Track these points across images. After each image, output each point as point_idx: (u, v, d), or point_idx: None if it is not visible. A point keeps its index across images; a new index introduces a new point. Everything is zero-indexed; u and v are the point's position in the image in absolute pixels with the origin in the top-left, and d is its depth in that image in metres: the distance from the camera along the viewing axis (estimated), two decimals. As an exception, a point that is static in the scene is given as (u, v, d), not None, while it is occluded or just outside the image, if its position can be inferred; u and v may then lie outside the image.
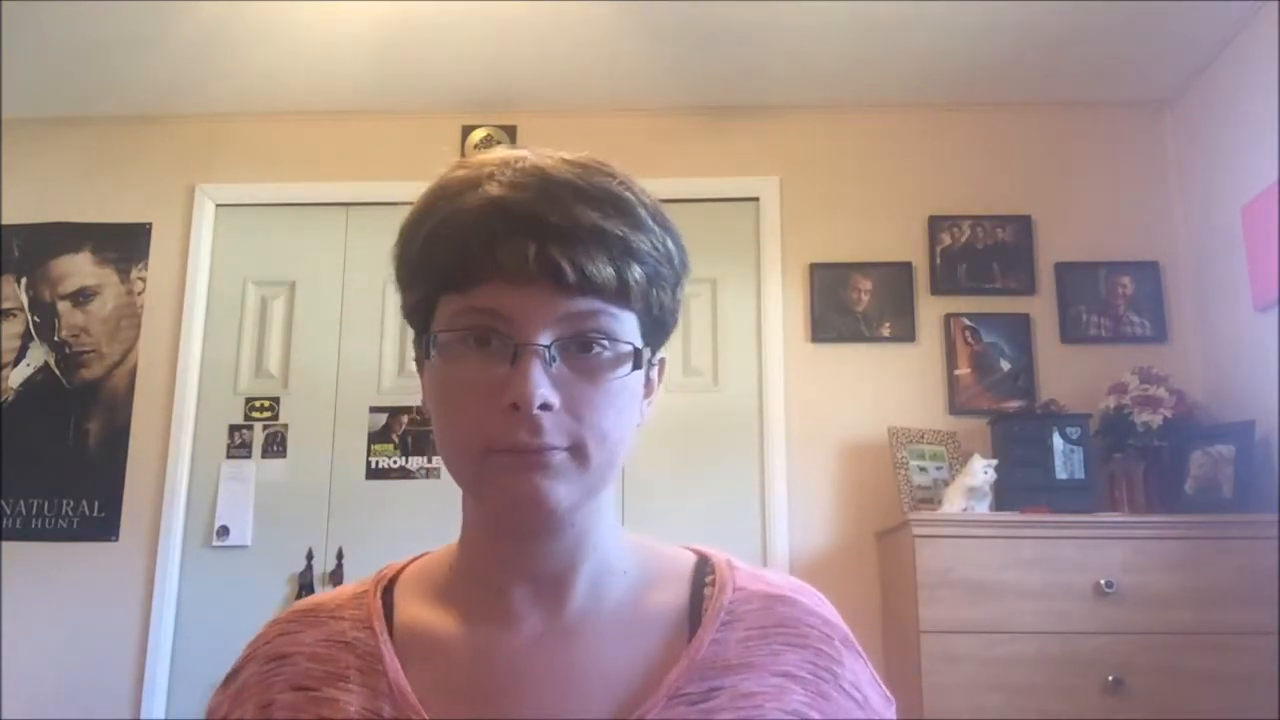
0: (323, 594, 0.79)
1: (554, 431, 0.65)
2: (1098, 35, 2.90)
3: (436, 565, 0.78)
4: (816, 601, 0.75)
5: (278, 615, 0.78)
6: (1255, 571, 2.42)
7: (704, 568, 0.76)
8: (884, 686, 0.76)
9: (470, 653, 0.71)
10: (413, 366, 0.78)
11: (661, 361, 0.78)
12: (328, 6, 2.80)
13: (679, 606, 0.73)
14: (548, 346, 0.65)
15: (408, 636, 0.73)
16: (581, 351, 0.67)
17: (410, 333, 0.75)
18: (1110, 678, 2.39)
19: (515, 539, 0.71)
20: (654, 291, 0.70)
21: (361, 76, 3.15)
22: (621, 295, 0.67)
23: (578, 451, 0.66)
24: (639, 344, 0.69)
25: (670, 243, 0.72)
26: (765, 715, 0.67)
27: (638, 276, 0.68)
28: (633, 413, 0.71)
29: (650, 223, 0.70)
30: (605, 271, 0.66)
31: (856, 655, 0.74)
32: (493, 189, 0.67)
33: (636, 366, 0.69)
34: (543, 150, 0.71)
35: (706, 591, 0.73)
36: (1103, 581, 2.43)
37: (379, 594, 0.76)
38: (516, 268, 0.65)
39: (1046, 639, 2.42)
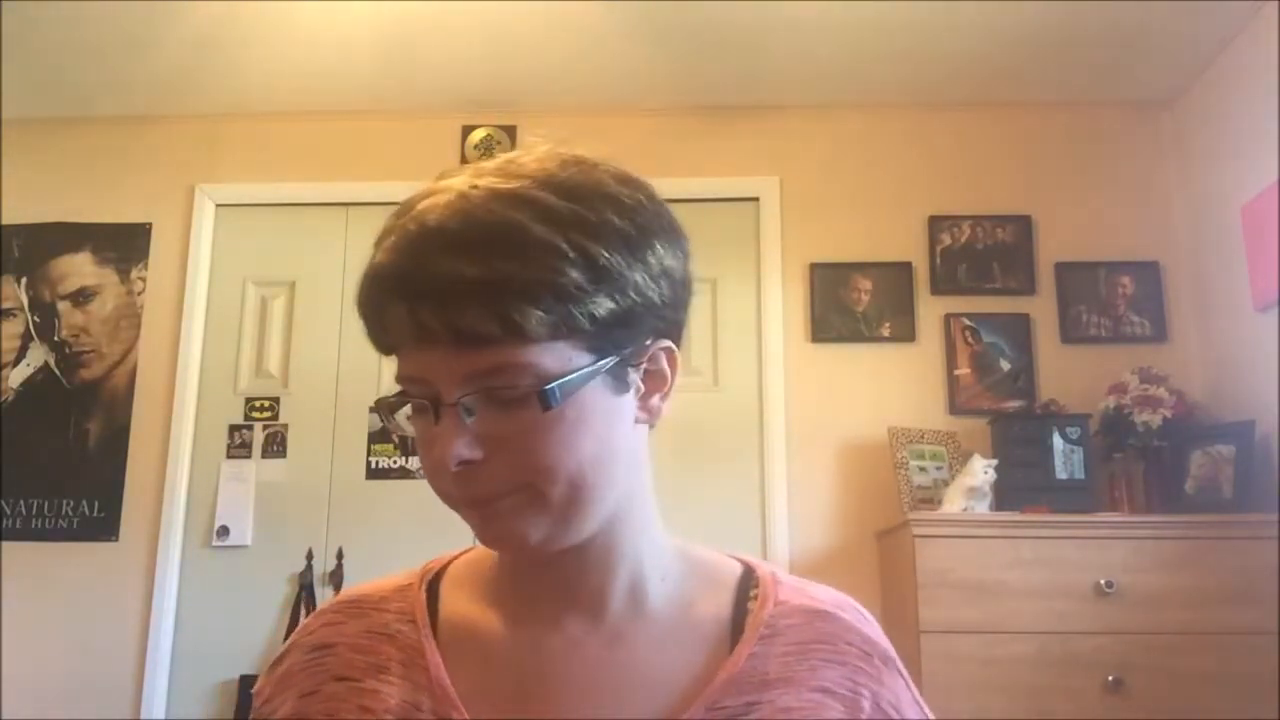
0: (368, 584, 0.79)
1: (489, 481, 0.65)
2: (1098, 35, 2.90)
3: (479, 563, 0.78)
4: (858, 618, 0.75)
5: (322, 605, 0.78)
6: (1255, 571, 2.42)
7: (749, 579, 0.75)
8: (925, 707, 0.75)
9: (512, 653, 0.71)
10: None
11: (666, 350, 0.71)
12: (328, 6, 2.80)
13: (721, 618, 0.72)
14: (456, 403, 0.63)
15: (451, 632, 0.73)
16: (499, 402, 0.63)
17: None
18: (1110, 678, 2.39)
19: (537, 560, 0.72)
20: (575, 313, 0.63)
21: (361, 76, 3.15)
22: (520, 339, 0.62)
23: (528, 491, 0.65)
24: (576, 362, 0.64)
25: (589, 246, 0.64)
26: None
27: (536, 316, 0.62)
28: (596, 433, 0.66)
29: (547, 240, 0.63)
30: (488, 325, 0.61)
31: (897, 674, 0.73)
32: (378, 255, 0.67)
33: (551, 402, 0.63)
34: (527, 154, 0.69)
35: (750, 605, 0.73)
36: (1103, 581, 2.43)
37: (424, 587, 0.76)
38: (407, 335, 0.64)
39: (1046, 639, 2.42)
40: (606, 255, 0.64)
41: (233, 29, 2.90)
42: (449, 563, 0.79)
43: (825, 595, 0.76)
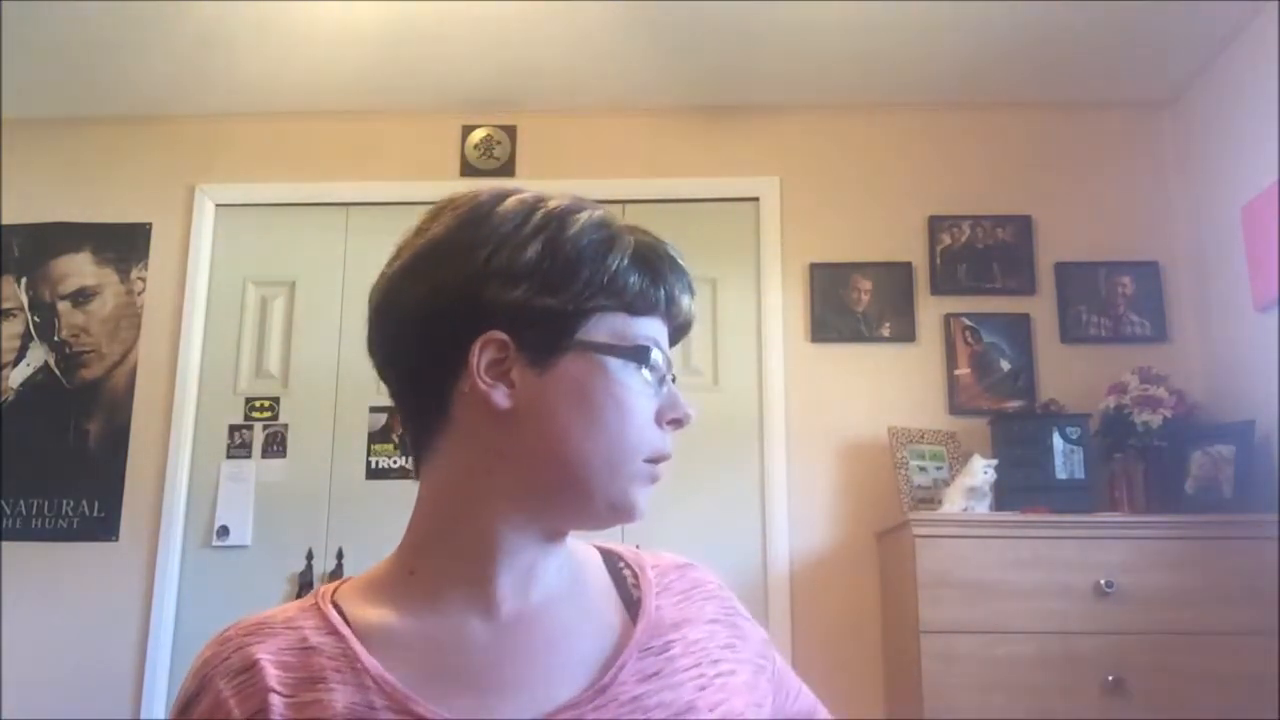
0: (263, 613, 0.78)
1: None
2: (1098, 35, 2.90)
3: (381, 576, 0.79)
4: (706, 567, 0.91)
5: (223, 634, 0.76)
6: (1255, 571, 2.42)
7: (610, 557, 0.87)
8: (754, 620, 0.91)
9: (440, 644, 0.74)
10: None
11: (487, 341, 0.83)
12: (328, 6, 2.80)
13: (606, 586, 0.84)
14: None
15: (371, 636, 0.74)
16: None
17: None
18: (1110, 678, 2.39)
19: (546, 538, 0.79)
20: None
21: (361, 76, 3.15)
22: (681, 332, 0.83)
23: None
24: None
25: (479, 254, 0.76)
26: (711, 654, 0.81)
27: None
28: None
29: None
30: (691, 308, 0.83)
31: (733, 594, 0.90)
32: (639, 234, 0.80)
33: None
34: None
35: (625, 573, 0.86)
36: (1102, 581, 2.43)
37: (328, 604, 0.76)
38: (671, 309, 0.79)
39: (1046, 639, 2.42)
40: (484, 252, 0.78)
41: (233, 29, 2.90)
42: (338, 586, 0.80)
43: (675, 556, 0.91)
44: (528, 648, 0.75)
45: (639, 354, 0.76)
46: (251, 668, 0.72)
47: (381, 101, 3.30)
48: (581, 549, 0.87)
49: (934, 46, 2.98)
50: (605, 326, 0.75)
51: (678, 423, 0.79)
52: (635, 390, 0.76)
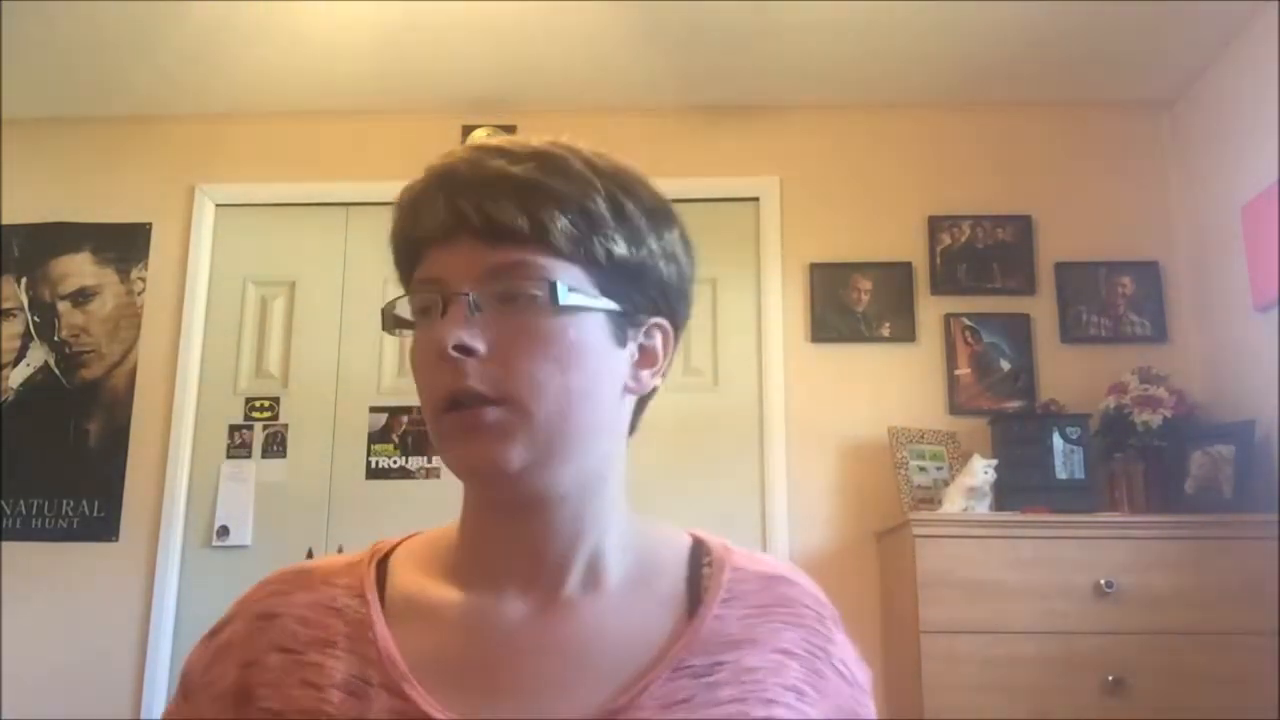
0: (316, 559, 0.78)
1: (478, 376, 0.67)
2: (1097, 35, 2.90)
3: (435, 541, 0.77)
4: (808, 583, 0.78)
5: (269, 576, 0.77)
6: (1255, 571, 2.41)
7: (700, 550, 0.77)
8: (863, 663, 0.79)
9: (464, 625, 0.70)
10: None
11: (661, 328, 0.76)
12: (328, 6, 2.80)
13: (678, 585, 0.74)
14: (466, 294, 0.67)
15: (401, 606, 0.72)
16: (508, 302, 0.68)
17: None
18: (1110, 678, 2.39)
19: (505, 514, 0.72)
20: (593, 240, 0.69)
21: (361, 76, 3.15)
22: (542, 242, 0.68)
23: (514, 405, 0.67)
24: (584, 289, 0.69)
25: (619, 194, 0.71)
26: (766, 691, 0.68)
27: (560, 223, 0.68)
28: (588, 372, 0.70)
29: (584, 174, 0.71)
30: (518, 218, 0.67)
31: (842, 633, 0.77)
32: (433, 162, 0.72)
33: (563, 306, 0.68)
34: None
35: (705, 571, 0.75)
36: (1103, 581, 2.43)
37: (373, 563, 0.75)
38: (439, 228, 0.69)
39: (1046, 639, 2.42)
40: (631, 207, 0.72)
41: (233, 29, 2.90)
42: (401, 542, 0.79)
43: (777, 562, 0.79)
44: (548, 644, 0.69)
45: (400, 307, 0.73)
46: (269, 618, 0.73)
47: (381, 101, 3.30)
48: (666, 536, 0.79)
49: (934, 46, 2.98)
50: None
51: (440, 354, 0.67)
52: (421, 336, 0.71)
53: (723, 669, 0.68)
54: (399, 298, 0.73)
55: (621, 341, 0.72)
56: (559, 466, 0.69)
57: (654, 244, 0.73)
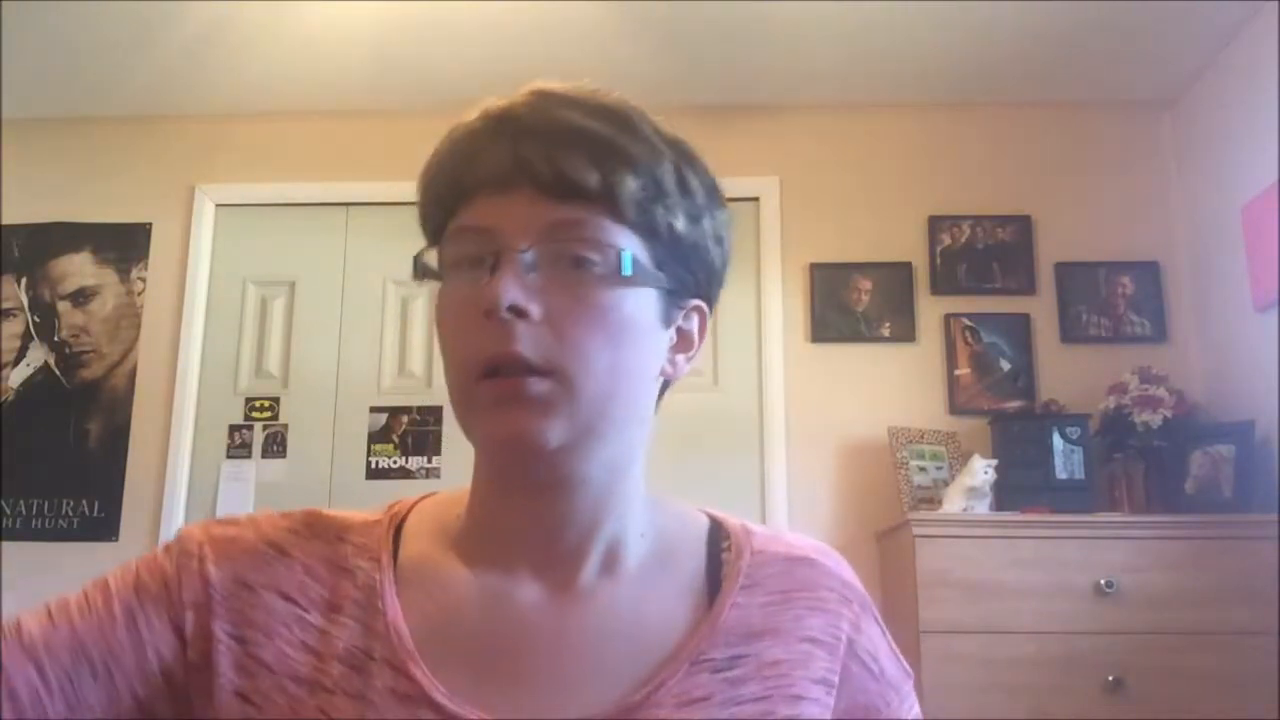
0: (335, 510, 0.72)
1: (529, 343, 0.61)
2: (1098, 35, 2.90)
3: (446, 508, 0.72)
4: (836, 563, 0.72)
5: (292, 511, 0.72)
6: (1255, 571, 2.41)
7: (718, 532, 0.72)
8: (903, 660, 0.72)
9: (475, 605, 0.66)
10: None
11: (700, 311, 0.71)
12: (328, 6, 2.80)
13: (697, 571, 0.69)
14: (524, 251, 0.62)
15: (411, 576, 0.67)
16: (568, 264, 0.63)
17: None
18: (1110, 678, 2.39)
19: (525, 494, 0.66)
20: (657, 210, 0.65)
21: (361, 76, 3.15)
22: (610, 204, 0.63)
23: (561, 378, 0.61)
24: (631, 260, 0.64)
25: (684, 167, 0.68)
26: (792, 686, 0.64)
27: (630, 185, 0.63)
28: (636, 350, 0.65)
29: (654, 138, 0.67)
30: (587, 174, 0.62)
31: (874, 622, 0.71)
32: (488, 103, 0.67)
33: (627, 279, 0.63)
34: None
35: (724, 556, 0.70)
36: (1103, 581, 2.43)
37: (391, 526, 0.70)
38: (497, 175, 0.63)
39: (1046, 639, 2.42)
40: (694, 180, 0.69)
41: (233, 29, 2.90)
42: (417, 503, 0.74)
43: (803, 542, 0.73)
44: (563, 633, 0.65)
45: (427, 256, 0.66)
46: (280, 552, 0.68)
47: (381, 101, 3.30)
48: (683, 517, 0.74)
49: (934, 46, 2.98)
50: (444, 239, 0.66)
51: (489, 312, 0.61)
52: (458, 292, 0.64)
53: (744, 662, 0.64)
54: (433, 245, 0.67)
55: (666, 322, 0.68)
56: (593, 447, 0.65)
57: (707, 223, 0.69)
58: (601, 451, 0.65)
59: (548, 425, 0.61)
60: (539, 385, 0.61)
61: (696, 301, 0.71)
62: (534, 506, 0.67)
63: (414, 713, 0.61)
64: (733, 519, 0.74)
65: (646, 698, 0.62)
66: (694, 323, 0.71)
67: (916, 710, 0.72)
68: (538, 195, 0.63)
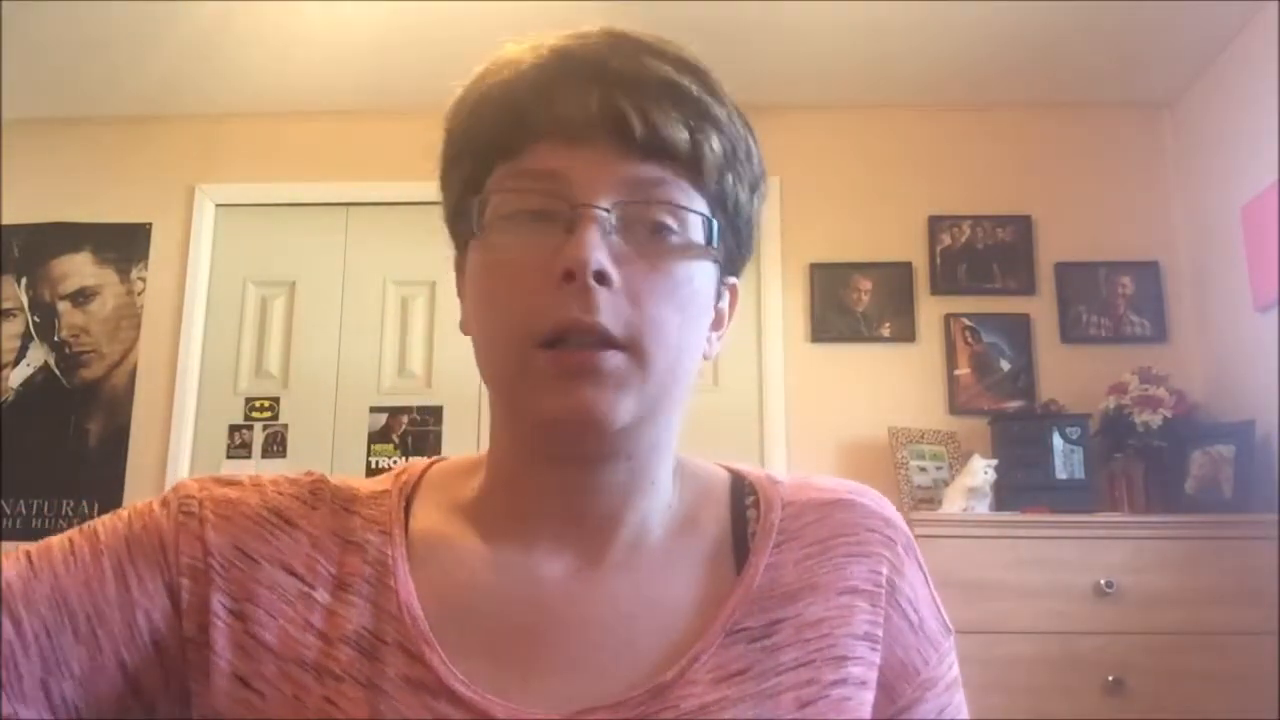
0: (343, 478, 0.67)
1: (610, 313, 0.56)
2: (1098, 35, 2.90)
3: (460, 477, 0.67)
4: (876, 501, 0.66)
5: (293, 474, 0.66)
6: (1255, 571, 2.41)
7: (741, 486, 0.67)
8: (945, 615, 0.66)
9: (495, 585, 0.61)
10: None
11: (733, 289, 0.68)
12: (328, 6, 2.80)
13: (723, 534, 0.64)
14: (608, 211, 0.56)
15: (425, 553, 0.62)
16: (647, 229, 0.58)
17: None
18: (1110, 678, 2.39)
19: (560, 466, 0.61)
20: (730, 178, 0.61)
21: (361, 76, 3.15)
22: (694, 167, 0.59)
23: (636, 352, 0.57)
24: (714, 228, 0.60)
25: (749, 136, 0.64)
26: (835, 646, 0.59)
27: (714, 147, 0.59)
28: (699, 324, 0.61)
29: (729, 101, 0.63)
30: (678, 131, 0.58)
31: (918, 568, 0.65)
32: (552, 40, 0.61)
33: (707, 248, 0.59)
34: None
35: (750, 514, 0.65)
36: (1103, 581, 2.43)
37: (401, 498, 0.65)
38: (576, 120, 0.57)
39: (1046, 639, 2.42)
40: (756, 153, 0.65)
41: (233, 29, 2.90)
42: (424, 470, 0.68)
43: (836, 483, 0.67)
44: (589, 610, 0.60)
45: (517, 198, 0.59)
46: (284, 521, 0.63)
47: (381, 101, 3.30)
48: (706, 475, 0.69)
49: (934, 47, 2.98)
50: (492, 183, 0.60)
51: (570, 275, 0.55)
52: (520, 245, 0.57)
53: (782, 627, 0.59)
54: (492, 192, 0.59)
55: (717, 296, 0.64)
56: (648, 425, 0.60)
57: (757, 199, 0.65)
58: (652, 430, 0.62)
59: (619, 402, 0.57)
60: (615, 359, 0.56)
61: (733, 279, 0.67)
62: (570, 480, 0.62)
63: (429, 703, 0.56)
64: (756, 470, 0.69)
65: (680, 675, 0.57)
66: (726, 300, 0.67)
67: (955, 672, 0.65)
68: (621, 149, 0.57)
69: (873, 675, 0.60)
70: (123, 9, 2.80)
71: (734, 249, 0.65)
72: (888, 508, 0.66)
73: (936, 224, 3.20)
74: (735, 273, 0.67)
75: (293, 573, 0.61)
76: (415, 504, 0.65)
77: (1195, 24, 2.84)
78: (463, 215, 0.61)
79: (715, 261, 0.62)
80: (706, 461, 0.71)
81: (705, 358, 0.65)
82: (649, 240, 0.58)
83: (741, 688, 0.57)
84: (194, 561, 0.60)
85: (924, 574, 0.66)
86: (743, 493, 0.67)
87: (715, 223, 0.60)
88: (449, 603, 0.60)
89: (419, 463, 0.69)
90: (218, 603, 0.59)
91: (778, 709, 0.56)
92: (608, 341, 0.56)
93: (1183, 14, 2.79)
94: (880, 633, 0.61)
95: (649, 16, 3.07)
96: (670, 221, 0.58)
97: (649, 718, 0.55)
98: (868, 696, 0.59)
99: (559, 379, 0.56)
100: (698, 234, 0.59)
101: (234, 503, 0.62)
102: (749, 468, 0.70)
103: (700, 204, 0.60)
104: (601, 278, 0.55)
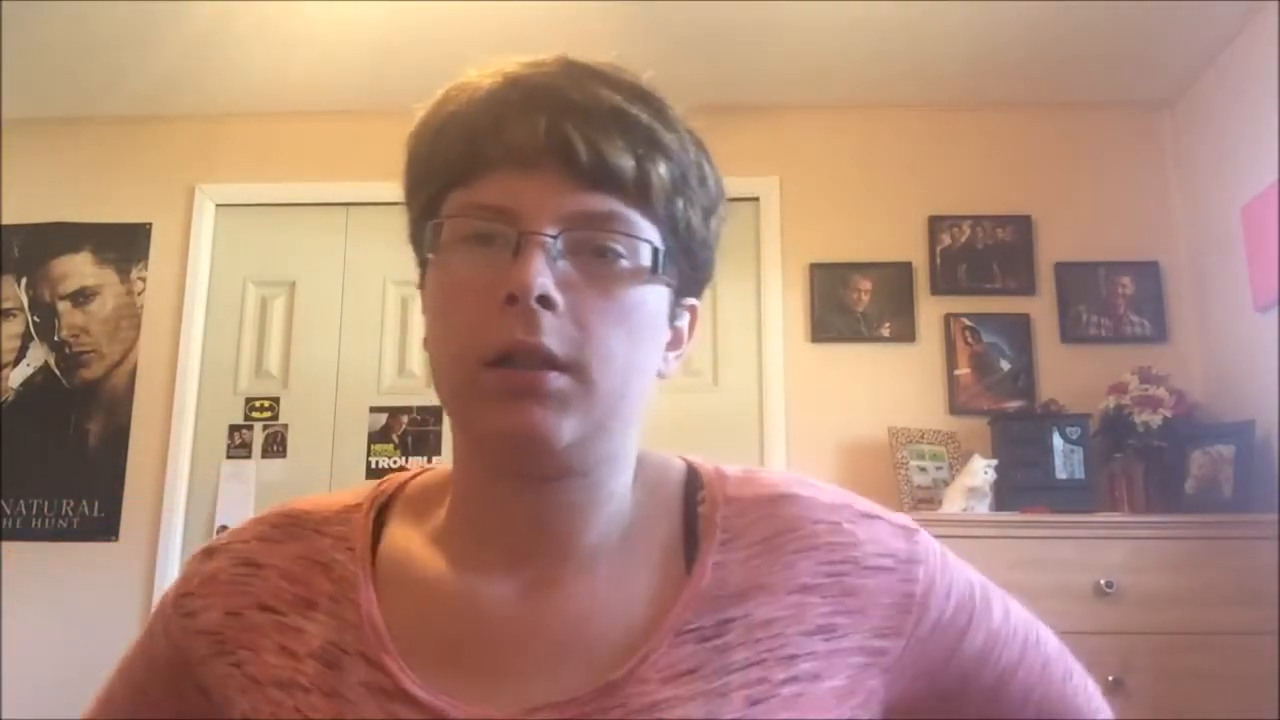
0: (315, 498, 0.71)
1: (554, 335, 0.58)
2: (1098, 35, 2.90)
3: (435, 492, 0.70)
4: (819, 490, 0.68)
5: (263, 513, 0.71)
6: (1255, 571, 2.41)
7: (694, 480, 0.69)
8: (896, 522, 0.68)
9: (451, 597, 0.63)
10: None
11: (692, 309, 0.70)
12: (328, 6, 2.80)
13: (673, 531, 0.65)
14: (554, 237, 0.58)
15: (391, 566, 0.65)
16: (593, 255, 0.60)
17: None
18: (1110, 678, 2.38)
19: (513, 482, 0.63)
20: (680, 203, 0.62)
21: (361, 76, 3.15)
22: (642, 195, 0.60)
23: (580, 374, 0.58)
24: (660, 255, 0.61)
25: (704, 161, 0.65)
26: (786, 646, 0.59)
27: (662, 174, 0.61)
28: (649, 346, 0.63)
29: (680, 127, 0.64)
30: (624, 160, 0.59)
31: (867, 521, 0.66)
32: (509, 67, 0.63)
33: (654, 274, 0.61)
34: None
35: (700, 510, 0.66)
36: (1103, 581, 2.43)
37: (372, 511, 0.68)
38: (525, 149, 0.59)
39: (1046, 639, 2.42)
40: (711, 175, 0.66)
41: (233, 29, 2.89)
42: (404, 484, 0.71)
43: (779, 477, 0.68)
44: (549, 624, 0.61)
45: (467, 226, 0.61)
46: (254, 567, 0.68)
47: (381, 101, 3.29)
48: (661, 469, 0.70)
49: (934, 46, 2.98)
50: (446, 210, 0.63)
51: (512, 299, 0.57)
52: (471, 281, 0.59)
53: (732, 627, 0.59)
54: (446, 217, 0.62)
55: (670, 319, 0.66)
56: (597, 443, 0.62)
57: (714, 222, 0.67)
58: (604, 447, 0.63)
59: (562, 422, 0.59)
60: (558, 381, 0.58)
61: (692, 300, 0.70)
62: (526, 496, 0.64)
63: (388, 706, 0.59)
64: (708, 464, 0.70)
65: (630, 674, 0.58)
66: (685, 321, 0.70)
67: (1015, 617, 0.69)
68: (568, 177, 0.59)
69: (831, 668, 0.60)
70: (123, 9, 2.80)
71: (688, 271, 0.66)
72: (829, 493, 0.68)
73: (936, 224, 3.20)
74: (694, 294, 0.69)
75: (266, 608, 0.66)
76: (390, 519, 0.69)
77: (1195, 24, 2.84)
78: (420, 238, 0.65)
79: (668, 285, 0.64)
80: (667, 455, 0.72)
81: (661, 376, 0.67)
82: (596, 265, 0.60)
83: (691, 686, 0.57)
84: (204, 650, 0.67)
85: (873, 518, 0.67)
86: (695, 488, 0.68)
87: (664, 248, 0.62)
88: (409, 615, 0.63)
89: (397, 477, 0.72)
90: (225, 665, 0.66)
91: (727, 707, 0.57)
92: (551, 363, 0.58)
93: (1183, 14, 2.79)
94: (842, 618, 0.61)
95: (650, 17, 3.10)
96: (618, 247, 0.60)
97: (599, 715, 0.57)
98: (820, 692, 0.59)
99: (504, 398, 0.58)
100: (647, 259, 0.61)
101: (214, 576, 0.69)
102: (701, 460, 0.71)
103: (648, 230, 0.61)
104: (545, 302, 0.58)
